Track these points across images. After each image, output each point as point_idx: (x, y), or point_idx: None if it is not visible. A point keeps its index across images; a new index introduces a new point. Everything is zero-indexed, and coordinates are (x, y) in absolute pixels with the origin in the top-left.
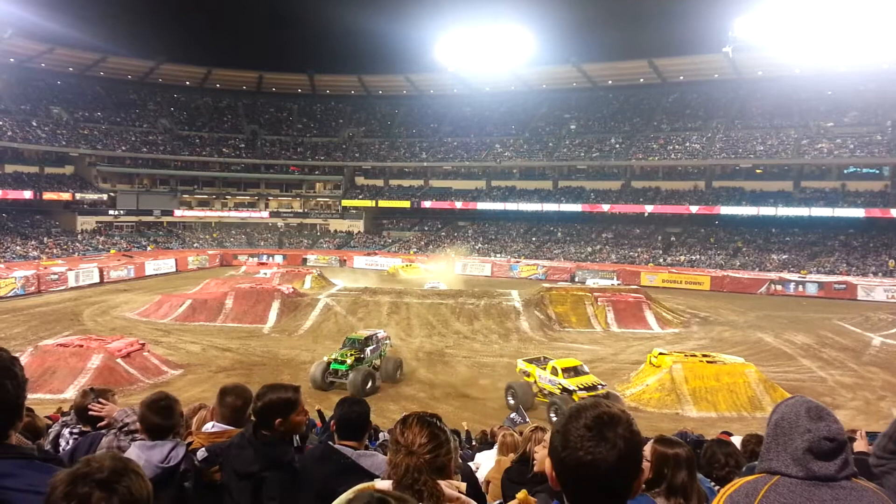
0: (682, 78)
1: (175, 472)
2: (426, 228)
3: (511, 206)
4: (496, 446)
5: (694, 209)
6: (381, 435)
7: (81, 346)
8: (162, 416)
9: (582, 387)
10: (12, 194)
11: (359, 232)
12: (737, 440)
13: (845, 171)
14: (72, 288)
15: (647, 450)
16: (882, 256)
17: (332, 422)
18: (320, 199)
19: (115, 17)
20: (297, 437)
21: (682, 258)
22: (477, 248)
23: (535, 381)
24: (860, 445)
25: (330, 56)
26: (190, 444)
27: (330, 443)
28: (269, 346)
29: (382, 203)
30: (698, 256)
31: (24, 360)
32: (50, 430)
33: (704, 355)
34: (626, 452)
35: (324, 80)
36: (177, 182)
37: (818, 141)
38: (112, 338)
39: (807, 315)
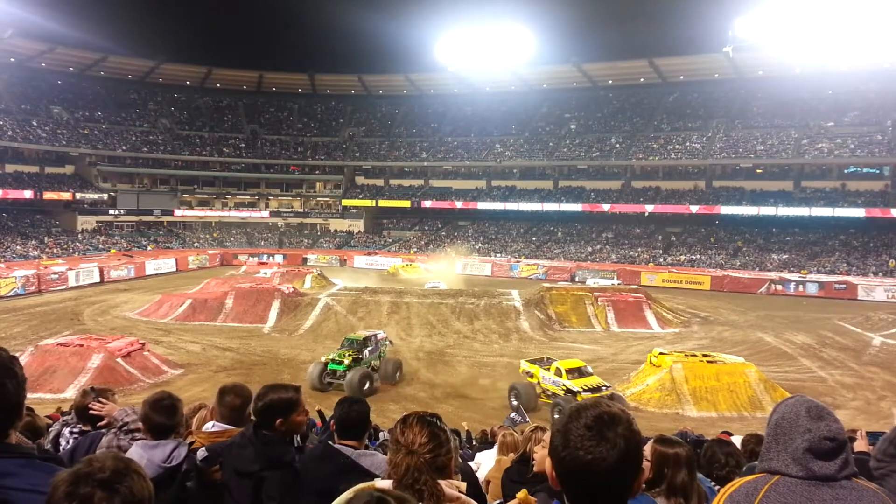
0: (682, 78)
1: (177, 472)
2: (426, 228)
3: (511, 205)
4: (496, 446)
5: (694, 209)
6: (381, 434)
7: (82, 345)
8: (165, 416)
9: (586, 388)
10: (13, 194)
11: (359, 231)
12: (737, 440)
13: (846, 171)
14: (72, 287)
15: (648, 449)
16: (882, 256)
17: (332, 421)
18: (320, 199)
19: (116, 16)
20: (298, 437)
21: (683, 258)
22: (477, 247)
23: (539, 382)
24: (860, 445)
25: (330, 56)
26: (192, 443)
27: (330, 442)
28: (270, 345)
29: (383, 203)
30: (698, 256)
31: (24, 359)
32: (50, 430)
33: (705, 355)
34: (626, 452)
35: (324, 79)
36: (177, 182)
37: (818, 141)
38: (112, 337)
39: (807, 315)
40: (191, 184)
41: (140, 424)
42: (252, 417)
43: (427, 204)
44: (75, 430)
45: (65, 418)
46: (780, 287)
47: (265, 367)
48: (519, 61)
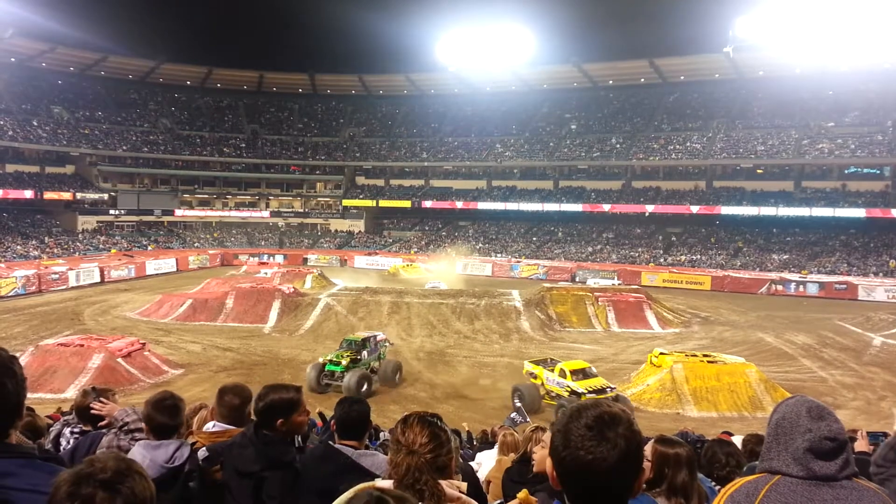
0: (682, 78)
1: (180, 472)
2: (427, 228)
3: (512, 205)
4: (497, 446)
5: (695, 209)
6: (381, 434)
7: (82, 345)
8: (168, 416)
9: (591, 390)
10: (13, 194)
11: (359, 231)
12: (737, 440)
13: (846, 171)
14: (72, 287)
15: (648, 450)
16: (883, 256)
17: (332, 421)
18: (321, 199)
19: (116, 16)
20: (299, 438)
21: (683, 258)
22: (478, 247)
23: (543, 384)
24: (861, 445)
25: (331, 56)
26: (194, 443)
27: (330, 442)
28: (270, 345)
29: (383, 203)
30: (699, 256)
31: (24, 359)
32: (51, 429)
33: (705, 355)
34: (626, 452)
35: (324, 79)
36: (177, 182)
37: (819, 141)
38: (113, 337)
39: (808, 315)
40: (191, 184)
41: (140, 424)
42: (253, 417)
43: (427, 204)
44: (76, 430)
45: (66, 418)
46: (780, 287)
47: (266, 368)
48: (519, 61)
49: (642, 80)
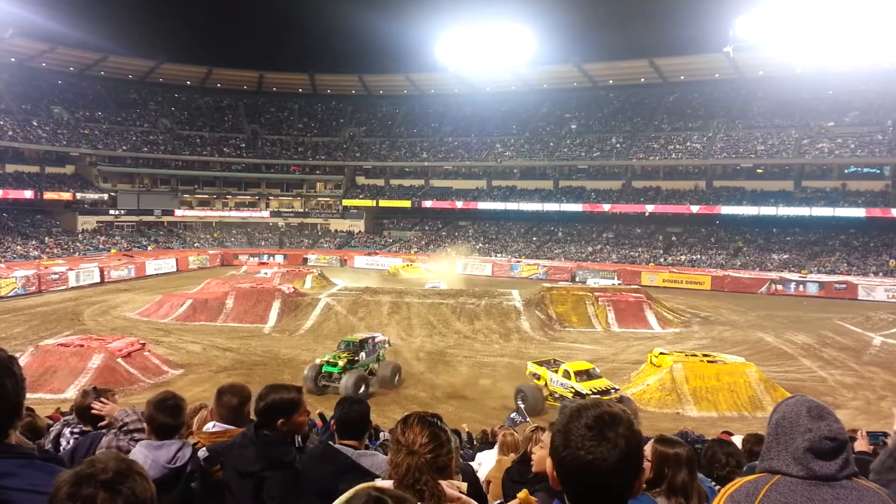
0: (682, 77)
1: (182, 473)
2: (427, 228)
3: (512, 205)
4: (496, 446)
5: (695, 209)
6: (381, 435)
7: (82, 345)
8: (170, 416)
9: (595, 391)
10: (13, 194)
11: (359, 231)
12: (737, 440)
13: (846, 171)
14: (72, 288)
15: (648, 449)
16: (883, 256)
17: (332, 421)
18: (321, 199)
19: (116, 16)
20: (300, 438)
21: (683, 258)
22: (478, 247)
23: (546, 385)
24: (861, 445)
25: (330, 56)
26: (196, 444)
27: (330, 442)
28: (270, 345)
29: (383, 203)
30: (699, 256)
31: (24, 359)
32: (51, 430)
33: (705, 355)
34: (627, 452)
35: (324, 79)
36: (177, 182)
37: (819, 140)
38: (113, 337)
39: (807, 315)
40: (191, 184)
41: (140, 425)
42: (252, 417)
43: (427, 204)
44: (76, 430)
45: (66, 418)
46: (780, 287)
47: (266, 368)
48: (519, 61)
49: (642, 79)
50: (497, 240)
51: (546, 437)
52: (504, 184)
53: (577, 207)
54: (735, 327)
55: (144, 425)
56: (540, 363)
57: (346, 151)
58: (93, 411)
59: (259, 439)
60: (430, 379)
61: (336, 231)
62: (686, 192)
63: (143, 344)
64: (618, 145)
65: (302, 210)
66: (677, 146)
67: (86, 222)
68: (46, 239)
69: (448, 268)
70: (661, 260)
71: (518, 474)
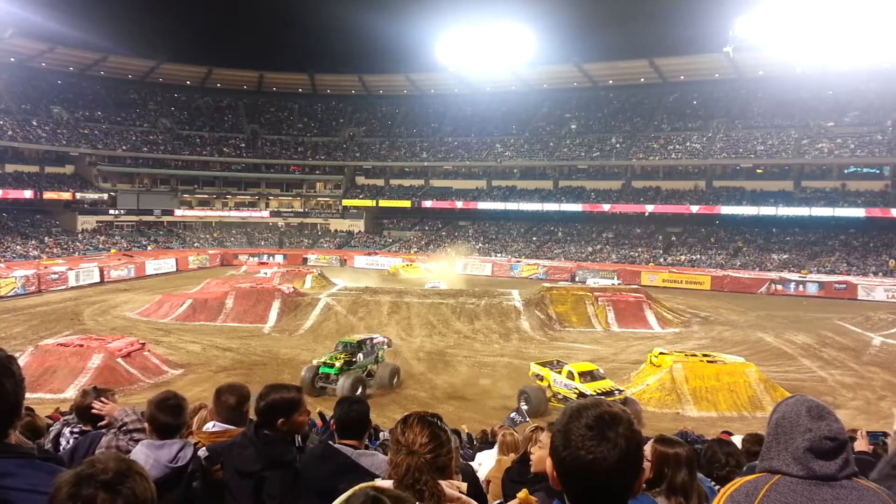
0: (682, 78)
1: (183, 472)
2: (427, 228)
3: (511, 205)
4: (496, 446)
5: (694, 209)
6: (381, 434)
7: (82, 345)
8: (171, 415)
9: (600, 392)
10: (13, 194)
11: (359, 231)
12: (737, 440)
13: (846, 171)
14: (72, 287)
15: (648, 449)
16: (882, 256)
17: (332, 421)
18: (321, 199)
19: (116, 16)
20: (300, 437)
21: (683, 258)
22: (477, 247)
23: (549, 386)
24: (861, 445)
25: (330, 56)
26: (196, 443)
27: (330, 442)
28: (270, 345)
29: (383, 203)
30: (699, 256)
31: (24, 359)
32: (51, 429)
33: (705, 355)
34: (627, 452)
35: (324, 79)
36: (177, 182)
37: (819, 141)
38: (112, 337)
39: (807, 315)
40: (191, 184)
41: (139, 425)
42: (251, 417)
43: (427, 204)
44: (76, 429)
45: (65, 418)
46: (780, 287)
47: (265, 368)
48: (519, 61)
49: (642, 79)
50: (497, 240)
51: (545, 437)
52: (504, 184)
53: (576, 207)
54: (735, 327)
55: (144, 425)
56: (543, 364)
57: (345, 151)
58: (93, 411)
59: (259, 439)
60: (430, 379)
61: (336, 231)
62: (686, 192)
63: (143, 344)
64: (617, 145)
65: (302, 210)
66: (677, 146)
67: (85, 222)
68: (46, 239)
69: (448, 268)
70: (661, 260)
71: (518, 474)
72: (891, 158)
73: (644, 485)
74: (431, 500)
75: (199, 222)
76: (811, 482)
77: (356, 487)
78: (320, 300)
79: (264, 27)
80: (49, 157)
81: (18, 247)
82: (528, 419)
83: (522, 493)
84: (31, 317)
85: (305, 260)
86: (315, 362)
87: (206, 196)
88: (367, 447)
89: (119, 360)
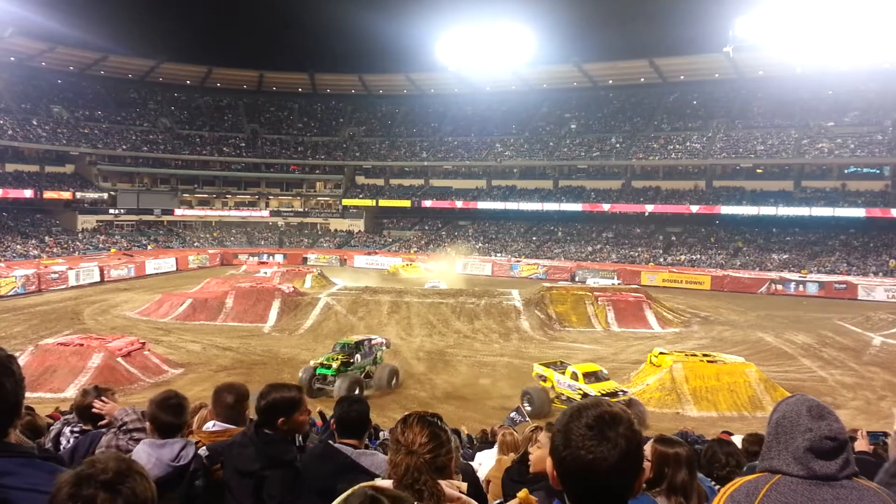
0: (682, 77)
1: (185, 471)
2: (426, 228)
3: (511, 205)
4: (496, 445)
5: (694, 209)
6: (381, 434)
7: (82, 344)
8: (173, 415)
9: (604, 393)
10: (13, 193)
11: (359, 231)
12: (737, 440)
13: (846, 171)
14: (72, 287)
15: (648, 449)
16: (882, 256)
17: (332, 420)
18: (321, 199)
19: (116, 16)
20: (300, 437)
21: (683, 258)
22: (477, 247)
23: (553, 386)
24: (861, 445)
25: (330, 55)
26: (197, 443)
27: (330, 441)
28: (270, 345)
29: (383, 202)
30: (699, 256)
31: (24, 359)
32: (51, 429)
33: (705, 355)
34: (627, 452)
35: (324, 79)
36: (177, 181)
37: (819, 140)
38: (112, 337)
39: (807, 315)
40: (191, 183)
41: (139, 424)
42: (251, 416)
43: (427, 203)
44: (76, 429)
45: (66, 417)
46: (780, 287)
47: (265, 367)
48: (519, 61)
49: (642, 79)
50: (497, 239)
51: (543, 437)
52: (504, 183)
53: (576, 207)
54: (735, 327)
55: (144, 425)
56: (546, 365)
57: (345, 151)
58: (93, 410)
59: (259, 438)
60: (430, 378)
61: (336, 230)
62: (686, 192)
63: (143, 343)
64: (617, 145)
65: (302, 209)
66: (677, 146)
67: (85, 221)
68: (46, 238)
69: (448, 267)
70: (661, 260)
71: (518, 474)
72: (891, 158)
73: (644, 485)
74: (431, 500)
75: (199, 222)
76: (811, 482)
77: (355, 487)
78: (320, 300)
79: (264, 27)
80: (49, 156)
81: (18, 246)
82: (527, 419)
83: (523, 493)
84: (31, 316)
85: (305, 259)
86: (312, 363)
87: (206, 195)
88: (366, 447)
89: (119, 359)
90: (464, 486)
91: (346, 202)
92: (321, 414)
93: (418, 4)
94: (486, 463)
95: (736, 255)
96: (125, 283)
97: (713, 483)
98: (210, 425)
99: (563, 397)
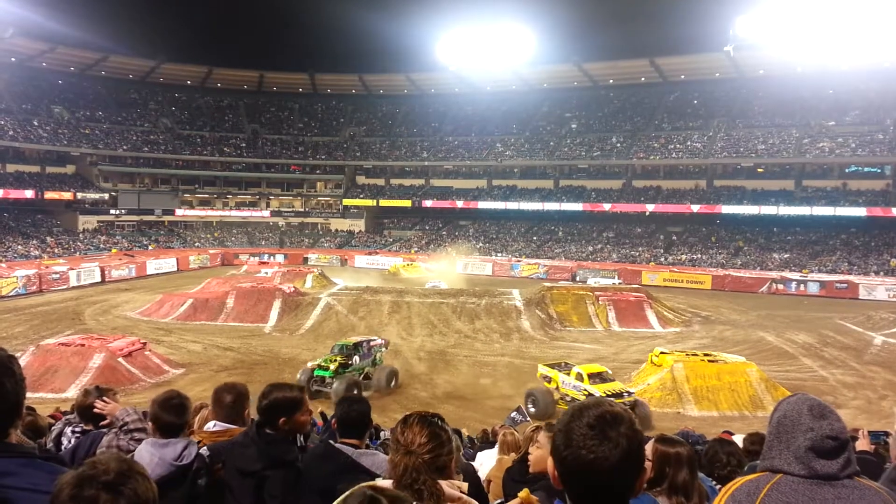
0: (683, 77)
1: (188, 470)
2: (427, 227)
3: (512, 205)
4: (497, 445)
5: (695, 208)
6: (382, 434)
7: (83, 345)
8: (175, 414)
9: (609, 394)
10: (14, 194)
11: (360, 231)
12: (738, 439)
13: (847, 170)
14: (73, 287)
15: (649, 449)
16: (883, 255)
17: (333, 420)
18: (321, 199)
19: (116, 16)
20: (302, 437)
21: (684, 257)
22: (478, 247)
23: (558, 387)
24: (862, 445)
25: (331, 55)
26: (199, 442)
27: (331, 441)
28: (271, 345)
29: (383, 202)
30: (699, 255)
31: (25, 359)
32: (53, 428)
33: (706, 354)
34: (628, 451)
35: (325, 79)
36: (178, 181)
37: (820, 140)
38: (113, 337)
39: (808, 314)
40: (192, 183)
41: (140, 425)
42: (251, 416)
43: (428, 203)
44: (77, 429)
45: (67, 417)
46: (781, 286)
47: (266, 367)
48: (519, 61)
49: (643, 79)
50: (497, 239)
51: (542, 437)
52: (504, 183)
53: (577, 207)
54: (736, 327)
55: (145, 425)
56: (551, 366)
57: (346, 151)
58: (95, 410)
59: (261, 438)
60: (431, 378)
61: (336, 230)
62: (686, 192)
63: (144, 343)
64: (618, 145)
65: (302, 209)
66: (678, 145)
67: (86, 222)
68: (47, 238)
69: (448, 267)
70: (662, 259)
71: (519, 473)
72: (892, 157)
73: (645, 484)
74: (430, 500)
75: (199, 222)
76: (813, 481)
77: (355, 487)
78: (321, 300)
79: (264, 27)
80: (50, 156)
81: (20, 246)
82: (528, 419)
83: (524, 493)
84: (32, 316)
85: (306, 259)
86: (309, 365)
87: (206, 196)
88: (367, 447)
89: (120, 359)
90: (465, 486)
91: (346, 202)
92: (322, 414)
93: (418, 4)
94: (486, 463)
95: (737, 254)
96: (126, 283)
97: (714, 483)
98: (211, 425)
99: (568, 398)
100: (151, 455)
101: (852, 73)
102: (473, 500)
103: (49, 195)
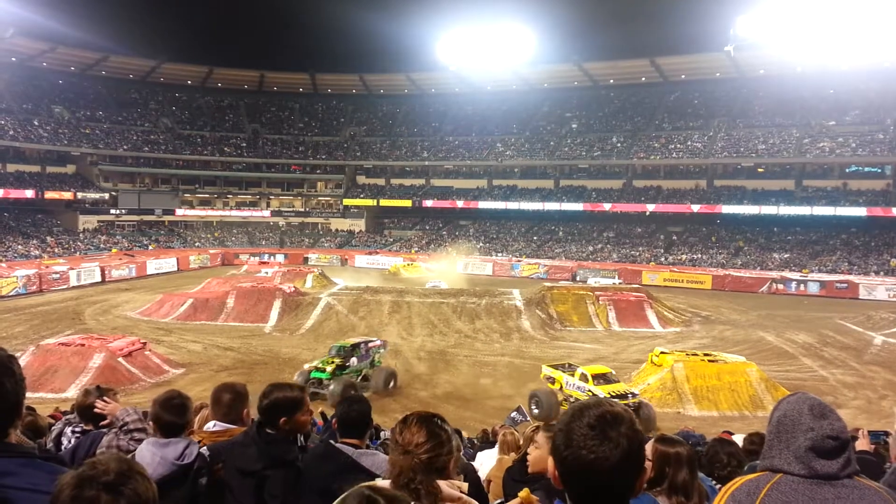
0: (683, 77)
1: (189, 470)
2: (427, 227)
3: (512, 205)
4: (497, 445)
5: (695, 208)
6: (382, 434)
7: (83, 345)
8: (176, 414)
9: (613, 395)
10: (14, 193)
11: (360, 231)
12: (738, 439)
13: (847, 170)
14: (73, 287)
15: (649, 449)
16: (884, 255)
17: (333, 420)
18: (322, 198)
19: (117, 16)
20: (302, 437)
21: (684, 257)
22: (478, 247)
23: (562, 388)
24: (862, 444)
25: (331, 55)
26: (199, 442)
27: (331, 441)
28: (271, 345)
29: (384, 202)
30: (700, 255)
31: (25, 359)
32: (53, 428)
33: (706, 354)
34: (629, 451)
35: (325, 79)
36: (178, 181)
37: (820, 139)
38: (113, 337)
39: (808, 314)
40: (192, 183)
41: (140, 425)
42: (251, 416)
43: (428, 203)
44: (77, 429)
45: (67, 417)
46: (781, 286)
47: (266, 367)
48: (520, 60)
49: (643, 79)
50: (498, 239)
51: (540, 437)
52: (505, 183)
53: (577, 207)
54: (736, 326)
55: (145, 425)
56: (555, 366)
57: (346, 151)
58: (95, 410)
59: (261, 438)
60: (431, 378)
61: (337, 230)
62: (687, 192)
63: (144, 343)
64: (618, 144)
65: (303, 209)
66: (678, 145)
67: (87, 222)
68: (47, 238)
69: (449, 267)
70: (662, 259)
71: (519, 473)
72: (892, 157)
73: (645, 484)
74: (428, 500)
75: (200, 222)
76: (813, 481)
77: (353, 488)
78: (321, 299)
79: (264, 27)
80: (50, 156)
81: (20, 246)
82: (528, 418)
83: (524, 493)
84: (32, 316)
85: (306, 259)
86: (307, 367)
87: (207, 195)
88: (367, 447)
89: (120, 359)
90: (465, 486)
91: (346, 202)
92: (322, 414)
93: (418, 4)
94: (486, 463)
95: (737, 254)
96: (126, 283)
97: (714, 483)
98: (211, 425)
99: (572, 399)
100: (153, 454)
101: (852, 73)
102: (473, 500)
103: (49, 195)
